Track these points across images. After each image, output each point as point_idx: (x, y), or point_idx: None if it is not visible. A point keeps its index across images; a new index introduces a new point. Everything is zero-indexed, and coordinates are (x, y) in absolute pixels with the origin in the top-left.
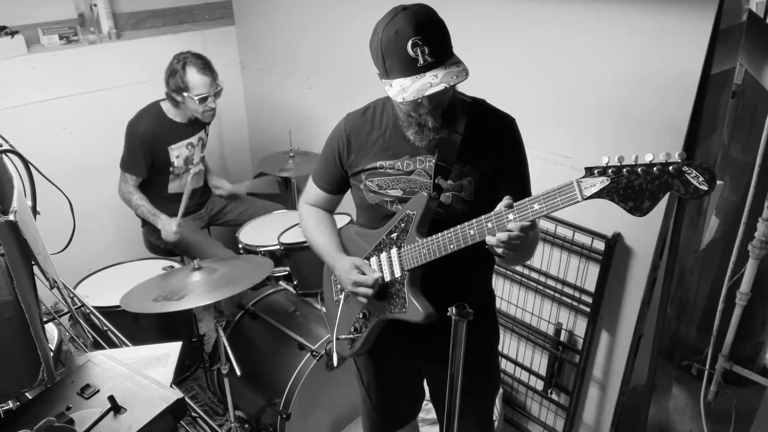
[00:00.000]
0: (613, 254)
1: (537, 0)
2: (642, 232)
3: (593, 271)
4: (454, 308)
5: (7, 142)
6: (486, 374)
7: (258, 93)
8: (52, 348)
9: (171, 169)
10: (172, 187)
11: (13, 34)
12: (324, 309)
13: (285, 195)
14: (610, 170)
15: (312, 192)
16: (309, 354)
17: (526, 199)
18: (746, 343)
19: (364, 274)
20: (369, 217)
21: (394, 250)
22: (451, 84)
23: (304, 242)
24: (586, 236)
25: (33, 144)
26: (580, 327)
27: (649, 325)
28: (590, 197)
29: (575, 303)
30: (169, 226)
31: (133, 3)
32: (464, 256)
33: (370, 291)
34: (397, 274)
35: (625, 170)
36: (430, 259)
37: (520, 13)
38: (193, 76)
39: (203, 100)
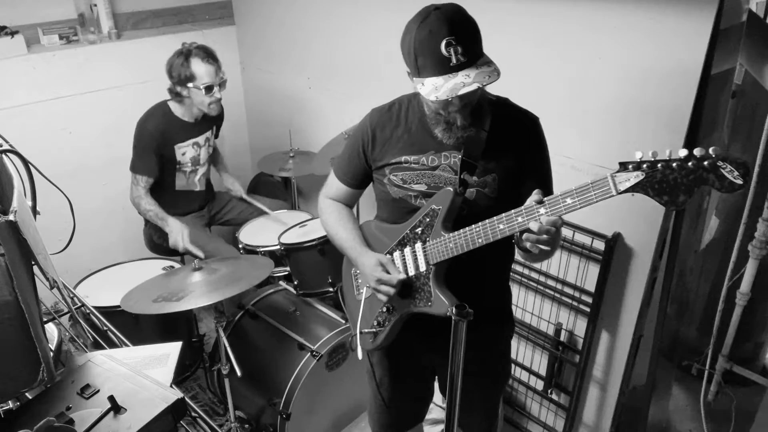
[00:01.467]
0: (613, 254)
1: (537, 0)
2: (642, 232)
3: (593, 271)
4: (454, 308)
5: (7, 142)
6: (500, 368)
7: (258, 93)
8: (52, 348)
9: (178, 166)
10: (180, 185)
11: (13, 34)
12: (344, 303)
13: (285, 195)
14: (644, 165)
15: (334, 186)
16: (309, 354)
17: (558, 193)
18: (746, 343)
19: (388, 272)
20: (392, 212)
21: (418, 245)
22: (484, 84)
23: (305, 242)
24: (586, 236)
25: (33, 144)
26: (580, 327)
27: (649, 325)
28: (625, 191)
29: (575, 303)
30: (175, 237)
31: (133, 3)
32: (486, 252)
33: (392, 290)
34: (422, 268)
35: (659, 165)
36: (457, 253)
37: (519, 12)
38: (198, 65)
39: (209, 89)
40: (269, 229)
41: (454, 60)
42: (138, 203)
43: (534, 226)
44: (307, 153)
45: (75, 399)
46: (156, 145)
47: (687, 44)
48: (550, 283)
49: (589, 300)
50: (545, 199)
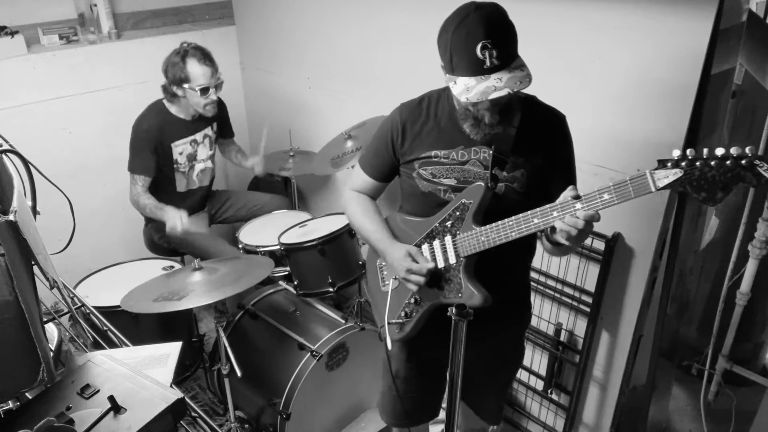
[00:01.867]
0: (613, 254)
1: (536, 0)
2: (642, 232)
3: (593, 271)
4: (454, 308)
5: (7, 142)
6: (517, 356)
7: (258, 93)
8: (52, 348)
9: (175, 166)
10: (181, 185)
11: (13, 34)
12: (369, 294)
13: (285, 195)
14: (683, 163)
15: (360, 179)
16: (309, 354)
17: (596, 189)
18: (746, 343)
19: (416, 262)
20: (419, 205)
21: (448, 238)
22: (514, 90)
23: (305, 242)
24: None
25: (33, 144)
26: (580, 327)
27: (649, 325)
28: (663, 188)
29: (575, 303)
30: (173, 220)
31: (133, 3)
32: (512, 246)
33: (422, 279)
34: (452, 260)
35: (698, 163)
36: (489, 246)
37: (519, 12)
38: (194, 67)
39: (204, 91)
40: (269, 229)
41: (488, 63)
42: (137, 201)
43: (570, 220)
44: (307, 153)
45: (75, 399)
46: (152, 142)
47: (687, 44)
48: (550, 283)
49: (589, 300)
50: (582, 195)
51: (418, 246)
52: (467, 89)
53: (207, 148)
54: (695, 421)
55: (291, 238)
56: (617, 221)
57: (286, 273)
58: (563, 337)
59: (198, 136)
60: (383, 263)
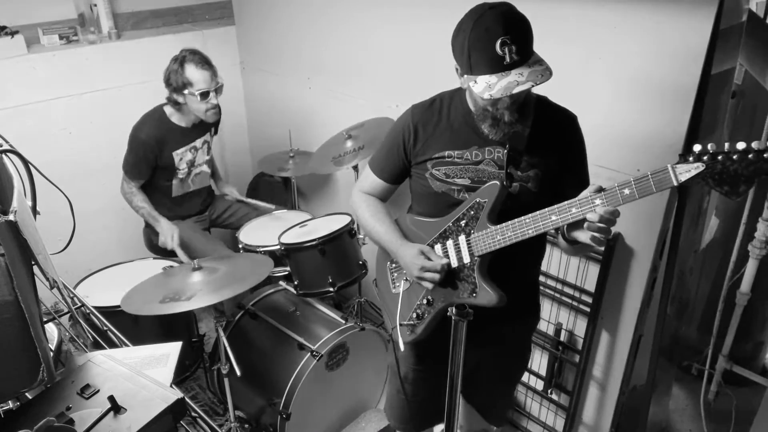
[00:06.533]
0: (613, 254)
1: (536, 0)
2: (642, 232)
3: (593, 271)
4: (454, 308)
5: (7, 142)
6: (526, 358)
7: (258, 93)
8: (52, 348)
9: (176, 173)
10: (176, 191)
11: (13, 34)
12: (379, 296)
13: (285, 195)
14: (705, 156)
15: (369, 180)
16: (309, 354)
17: (615, 184)
18: (746, 343)
19: (430, 259)
20: (431, 206)
21: (462, 237)
22: (537, 83)
23: (305, 242)
24: None
25: (33, 144)
26: (580, 327)
27: (649, 325)
28: (685, 182)
29: (575, 303)
30: (165, 236)
31: (133, 3)
32: (525, 246)
33: (437, 276)
34: (466, 260)
35: (720, 156)
36: (505, 244)
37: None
38: (193, 72)
39: (204, 95)
40: (269, 229)
41: (507, 59)
42: (130, 199)
43: (593, 216)
44: (307, 153)
45: (75, 399)
46: (151, 153)
47: (687, 44)
48: (550, 283)
49: (589, 300)
50: (604, 189)
51: (431, 246)
52: (489, 86)
53: (205, 153)
54: (695, 421)
55: (291, 237)
56: (617, 221)
57: (286, 273)
58: (563, 337)
59: (198, 143)
60: (393, 265)
